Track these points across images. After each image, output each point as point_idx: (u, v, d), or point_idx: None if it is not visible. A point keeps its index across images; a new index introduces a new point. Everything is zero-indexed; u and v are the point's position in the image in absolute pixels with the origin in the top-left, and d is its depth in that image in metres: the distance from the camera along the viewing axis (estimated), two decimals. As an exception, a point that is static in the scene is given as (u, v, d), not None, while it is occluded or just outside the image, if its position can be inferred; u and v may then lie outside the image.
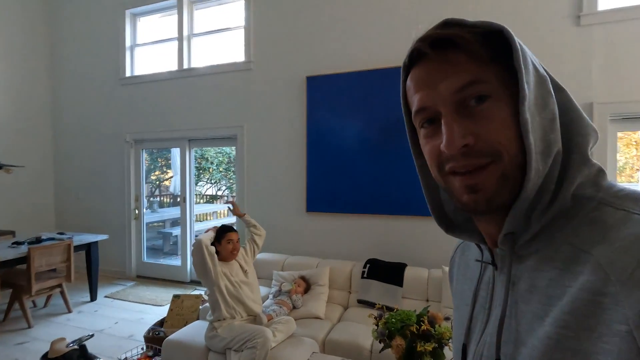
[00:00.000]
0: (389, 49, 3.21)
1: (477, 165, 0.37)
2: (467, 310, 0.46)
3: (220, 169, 9.16)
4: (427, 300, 2.66)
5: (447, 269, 2.58)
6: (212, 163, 8.90)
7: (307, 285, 2.80)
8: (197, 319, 2.65)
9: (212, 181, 9.35)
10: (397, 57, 3.17)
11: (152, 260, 4.89)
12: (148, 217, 5.96)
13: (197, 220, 6.49)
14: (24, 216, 4.56)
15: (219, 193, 9.83)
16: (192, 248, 2.17)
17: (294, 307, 2.60)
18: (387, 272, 2.77)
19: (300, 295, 2.68)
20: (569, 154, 0.37)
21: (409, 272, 2.73)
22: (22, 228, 4.35)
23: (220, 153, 9.14)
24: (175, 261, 5.27)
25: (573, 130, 0.38)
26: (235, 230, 2.28)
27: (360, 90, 3.29)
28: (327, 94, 3.41)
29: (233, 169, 9.57)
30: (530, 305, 0.36)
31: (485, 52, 0.37)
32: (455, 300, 0.53)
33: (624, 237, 0.31)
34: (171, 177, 9.19)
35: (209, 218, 8.00)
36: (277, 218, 3.63)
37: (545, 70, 0.40)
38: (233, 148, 10.20)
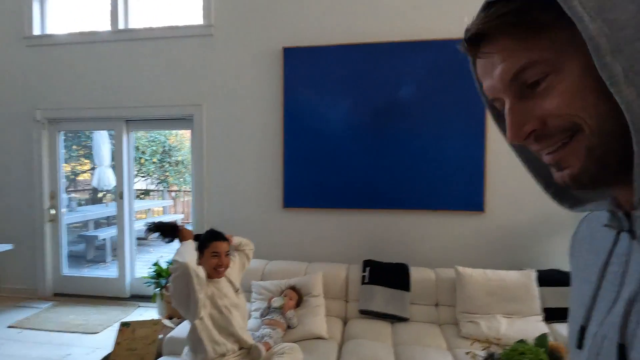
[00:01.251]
0: (383, 21, 2.83)
1: (557, 144, 0.34)
2: (591, 287, 0.40)
3: (154, 160, 7.99)
4: (437, 305, 2.36)
5: (461, 269, 2.32)
6: (143, 153, 7.70)
7: (298, 297, 2.31)
8: (159, 354, 2.00)
9: (144, 174, 8.12)
10: (391, 30, 2.80)
11: (75, 272, 3.90)
12: (67, 217, 4.82)
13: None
14: None
15: (153, 187, 8.60)
16: (174, 273, 1.54)
17: (289, 327, 2.10)
18: (390, 275, 2.41)
19: (294, 310, 2.18)
20: None
21: (414, 274, 2.40)
22: None
23: (154, 141, 7.97)
24: (107, 271, 4.31)
25: None
26: (224, 239, 1.70)
27: (349, 68, 2.86)
28: (308, 70, 2.91)
29: (169, 160, 8.44)
30: None
31: (531, 25, 0.33)
32: (574, 279, 0.46)
33: None
34: (91, 169, 7.78)
35: (143, 216, 6.89)
36: (248, 216, 3.05)
37: None
38: (173, 135, 9.01)
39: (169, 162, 8.32)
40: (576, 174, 0.34)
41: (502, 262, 2.68)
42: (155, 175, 8.42)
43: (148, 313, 3.11)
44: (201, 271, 1.54)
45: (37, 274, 3.47)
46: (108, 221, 6.26)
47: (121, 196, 3.40)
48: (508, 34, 0.34)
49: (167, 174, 8.43)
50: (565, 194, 0.43)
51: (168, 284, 2.69)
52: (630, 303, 0.33)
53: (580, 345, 0.40)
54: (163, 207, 7.56)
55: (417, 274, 2.40)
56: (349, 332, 2.18)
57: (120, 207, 3.43)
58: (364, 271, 2.44)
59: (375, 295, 2.33)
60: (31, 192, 3.43)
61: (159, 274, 2.88)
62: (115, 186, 3.54)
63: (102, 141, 5.30)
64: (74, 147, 7.43)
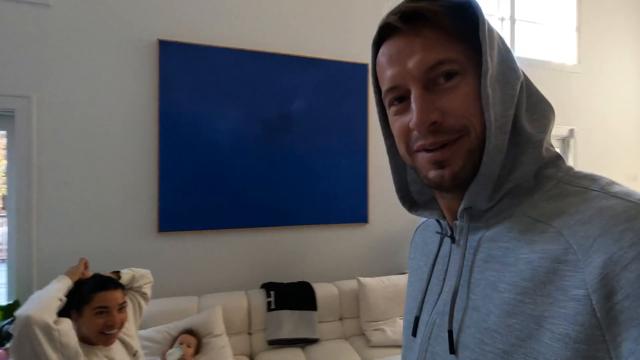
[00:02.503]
0: (275, 32, 2.74)
1: (445, 142, 0.38)
2: (422, 284, 0.47)
3: None
4: (341, 319, 2.37)
5: (363, 279, 2.41)
6: None
7: (197, 341, 1.89)
8: None
9: None
10: (283, 42, 2.74)
11: None
12: None
13: None
14: None
15: None
16: (15, 334, 0.97)
17: (192, 383, 1.69)
18: (295, 296, 2.28)
19: (190, 359, 1.77)
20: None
21: (318, 291, 2.35)
22: None
23: None
24: None
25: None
26: (116, 286, 1.20)
27: (237, 74, 2.63)
28: (191, 72, 2.52)
29: None
30: (485, 274, 0.38)
31: (455, 27, 0.37)
32: (410, 277, 0.55)
33: (584, 210, 0.33)
34: None
35: None
36: (108, 245, 2.35)
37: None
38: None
39: None
40: (456, 173, 0.38)
41: (384, 268, 2.96)
42: None
43: None
44: (69, 335, 1.03)
45: None
46: None
47: None
48: (440, 25, 0.37)
49: None
50: (407, 198, 0.51)
51: (9, 346, 1.75)
52: (454, 295, 0.40)
53: (414, 333, 0.46)
54: None
55: (320, 291, 2.36)
56: (261, 369, 1.92)
57: None
58: (268, 296, 2.23)
59: (283, 321, 2.16)
60: None
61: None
62: None
63: None
64: None
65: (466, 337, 0.38)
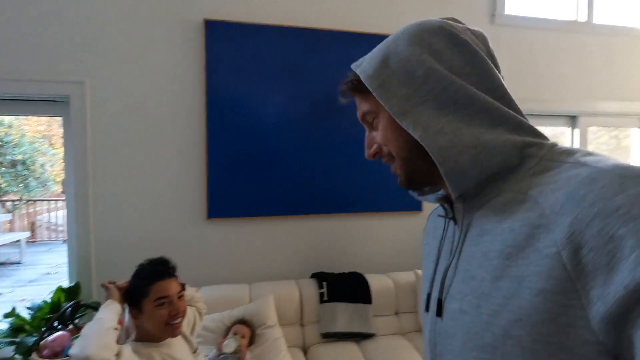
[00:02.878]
0: (323, 7, 2.55)
1: (388, 161, 0.52)
2: (433, 265, 0.52)
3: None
4: (397, 314, 2.23)
5: (418, 271, 2.24)
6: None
7: (251, 331, 1.83)
8: None
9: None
10: (332, 18, 2.56)
11: None
12: None
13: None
14: None
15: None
16: None
17: (248, 375, 1.63)
18: (349, 288, 2.16)
19: (245, 350, 1.71)
20: None
21: (372, 284, 2.21)
22: None
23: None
24: None
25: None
26: (171, 275, 1.15)
27: (286, 53, 2.48)
28: (237, 52, 2.41)
29: (2, 160, 6.26)
30: (479, 246, 0.43)
31: (363, 89, 0.51)
32: (424, 261, 0.60)
33: (556, 180, 0.38)
34: None
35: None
36: (159, 232, 2.35)
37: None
38: (5, 125, 6.42)
39: (0, 163, 6.17)
40: (402, 181, 0.51)
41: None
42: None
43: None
44: None
45: None
46: None
47: None
48: (360, 91, 0.53)
49: (-2, 179, 6.24)
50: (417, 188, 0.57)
51: (42, 343, 1.81)
52: (446, 268, 0.47)
53: (427, 309, 0.51)
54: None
55: (374, 283, 2.22)
56: (316, 362, 1.83)
57: None
58: (320, 287, 2.12)
59: (337, 314, 2.05)
60: None
61: (19, 329, 1.94)
62: None
63: None
64: None
65: (465, 303, 0.42)
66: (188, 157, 2.38)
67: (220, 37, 2.38)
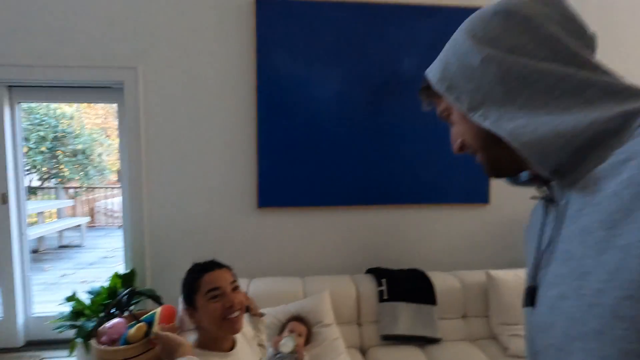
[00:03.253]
0: (382, -23, 2.31)
1: (472, 153, 0.51)
2: (534, 251, 0.48)
3: (43, 148, 6.22)
4: (464, 317, 2.00)
5: (493, 272, 1.97)
6: (27, 140, 5.91)
7: (307, 330, 1.71)
8: None
9: (28, 167, 6.27)
10: (393, -11, 2.31)
11: None
12: None
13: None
14: None
15: (40, 184, 6.73)
16: None
17: (306, 377, 1.50)
18: (410, 286, 1.96)
19: (303, 350, 1.58)
20: None
21: (436, 283, 2.00)
22: None
23: (41, 125, 6.20)
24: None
25: None
26: (221, 265, 1.04)
27: (340, 31, 2.29)
28: (289, 31, 2.25)
29: (64, 149, 6.70)
30: (579, 222, 0.38)
31: (434, 92, 0.53)
32: (527, 260, 0.53)
33: None
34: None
35: (32, 220, 5.27)
36: (210, 220, 2.29)
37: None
38: (68, 117, 6.90)
39: (63, 152, 6.60)
40: (487, 170, 0.51)
41: (509, 259, 2.47)
42: (45, 169, 6.62)
43: (59, 368, 2.14)
44: None
45: None
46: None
47: (5, 199, 2.29)
48: (432, 97, 0.55)
49: (61, 166, 6.69)
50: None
51: (100, 330, 1.81)
52: (540, 253, 0.45)
53: (531, 303, 0.46)
54: (58, 208, 5.95)
55: (439, 282, 2.00)
56: (377, 368, 1.67)
57: (2, 214, 2.31)
58: (379, 284, 1.95)
59: (398, 314, 1.87)
60: None
61: (79, 313, 1.96)
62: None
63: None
64: None
65: (565, 287, 0.38)
66: (239, 143, 2.28)
67: (272, 15, 2.24)
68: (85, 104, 8.52)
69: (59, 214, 5.94)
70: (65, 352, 2.21)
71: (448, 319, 1.96)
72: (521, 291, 1.47)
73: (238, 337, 1.03)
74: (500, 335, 1.85)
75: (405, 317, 1.86)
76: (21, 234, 2.38)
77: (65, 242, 5.42)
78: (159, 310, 1.86)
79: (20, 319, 2.37)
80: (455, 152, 0.53)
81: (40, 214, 5.17)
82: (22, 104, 2.32)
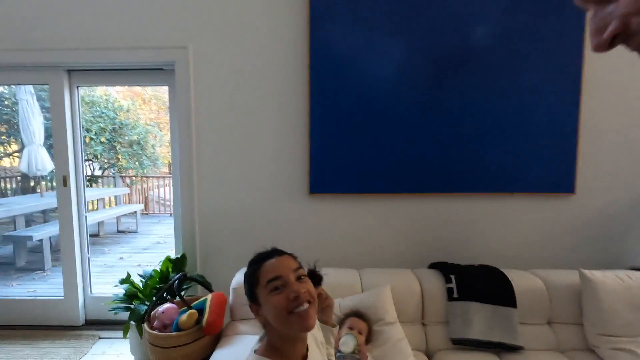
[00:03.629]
0: None
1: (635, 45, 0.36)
2: None
3: (103, 139, 6.60)
4: (550, 324, 1.71)
5: (588, 273, 1.62)
6: (88, 130, 6.30)
7: (368, 328, 1.54)
8: None
9: (91, 156, 6.71)
10: (464, -54, 2.03)
11: (-3, 290, 2.78)
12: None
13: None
14: None
15: (99, 173, 7.19)
16: None
17: (369, 382, 1.33)
18: (484, 285, 1.71)
19: (365, 350, 1.40)
20: None
21: (515, 283, 1.72)
22: None
23: (101, 117, 6.58)
24: (47, 284, 3.21)
25: None
26: (282, 252, 0.88)
27: (400, 0, 2.06)
28: (345, 2, 2.06)
29: (120, 139, 7.08)
30: None
31: None
32: None
33: None
34: (19, 150, 6.29)
35: (92, 208, 5.62)
36: (259, 207, 2.18)
37: None
38: (124, 109, 7.33)
39: (120, 143, 6.97)
40: None
41: (600, 259, 2.12)
42: (104, 159, 7.04)
43: (116, 348, 2.17)
44: None
45: None
46: (45, 216, 4.98)
47: (66, 182, 2.35)
48: None
49: (118, 156, 7.08)
50: None
51: (153, 314, 1.77)
52: None
53: None
54: (115, 196, 6.29)
55: (518, 282, 1.73)
56: (449, 377, 1.46)
57: (64, 197, 2.38)
58: (448, 281, 1.72)
59: (471, 316, 1.63)
60: None
61: (133, 296, 1.95)
62: (52, 170, 2.48)
63: (31, 113, 4.03)
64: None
65: None
66: (290, 125, 2.14)
67: (326, -15, 2.06)
68: (140, 101, 8.97)
69: (117, 202, 6.29)
70: (121, 333, 2.24)
71: (530, 324, 1.68)
72: (627, 296, 1.16)
73: (310, 342, 0.87)
74: (598, 348, 1.55)
75: (480, 319, 1.62)
76: (80, 216, 2.44)
77: (122, 227, 5.71)
78: (209, 297, 1.78)
79: (80, 298, 2.44)
80: (599, 48, 0.36)
81: (100, 200, 5.48)
82: (79, 88, 2.35)
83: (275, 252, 0.87)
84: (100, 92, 7.42)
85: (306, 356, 0.83)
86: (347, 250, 2.16)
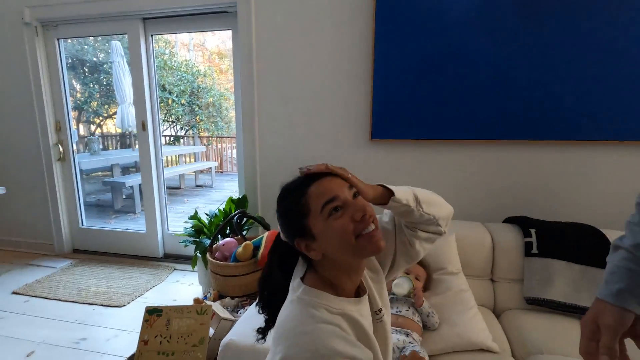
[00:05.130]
0: None
1: None
2: None
3: (183, 101, 7.14)
4: (659, 294, 1.40)
5: None
6: (170, 93, 6.84)
7: (426, 274, 1.42)
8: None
9: (172, 118, 7.33)
10: None
11: (96, 224, 3.23)
12: (86, 161, 4.14)
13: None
14: None
15: (181, 134, 7.86)
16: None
17: (424, 327, 1.24)
18: (572, 242, 1.46)
19: (421, 295, 1.29)
20: None
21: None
22: None
23: (181, 80, 7.06)
24: (137, 224, 3.64)
25: None
26: (326, 173, 0.68)
27: None
28: None
29: (198, 102, 7.57)
30: None
31: None
32: None
33: None
34: (114, 113, 7.08)
35: (174, 163, 6.20)
36: (319, 152, 2.13)
37: None
38: (202, 74, 7.87)
39: (198, 105, 7.46)
40: None
41: None
42: (185, 120, 7.63)
43: (187, 279, 2.38)
44: None
45: (51, 226, 2.80)
46: (137, 167, 5.62)
47: (144, 127, 2.55)
48: None
49: (197, 117, 7.61)
50: None
51: (215, 246, 1.87)
52: None
53: None
54: (194, 153, 6.84)
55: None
56: (521, 336, 1.29)
57: (143, 144, 2.59)
58: (527, 235, 1.50)
59: (553, 275, 1.41)
60: (31, 123, 2.64)
61: (200, 231, 2.08)
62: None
63: (122, 73, 4.47)
64: (93, 84, 6.66)
65: None
66: (352, 66, 2.00)
67: None
68: (217, 70, 9.38)
69: (196, 159, 6.84)
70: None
71: (631, 292, 1.40)
72: None
73: (365, 276, 0.75)
74: None
75: (564, 279, 1.39)
76: (158, 160, 2.65)
77: (200, 182, 6.22)
78: (266, 234, 1.80)
79: (159, 235, 2.71)
80: None
81: (181, 156, 6.00)
82: (153, 35, 2.47)
83: (320, 173, 0.69)
84: (181, 58, 7.93)
85: (359, 287, 0.71)
86: (410, 200, 2.02)
